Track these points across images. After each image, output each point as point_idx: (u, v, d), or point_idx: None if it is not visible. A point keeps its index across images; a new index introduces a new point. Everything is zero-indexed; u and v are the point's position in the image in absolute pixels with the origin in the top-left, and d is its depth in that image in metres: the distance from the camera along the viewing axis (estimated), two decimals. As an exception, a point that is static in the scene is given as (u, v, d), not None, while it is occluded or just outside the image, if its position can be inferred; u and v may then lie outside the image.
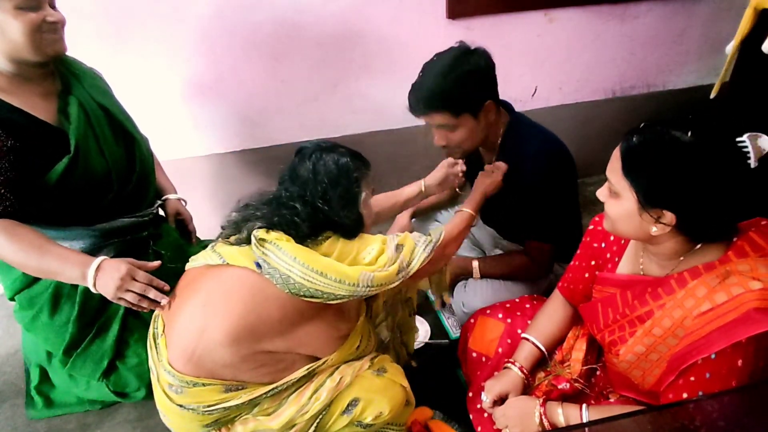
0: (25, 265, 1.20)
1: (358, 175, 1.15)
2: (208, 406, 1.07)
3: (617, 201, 0.91)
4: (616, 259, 1.09)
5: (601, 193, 0.96)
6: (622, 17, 2.25)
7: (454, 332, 1.76)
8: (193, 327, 1.05)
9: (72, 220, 1.32)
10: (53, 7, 1.23)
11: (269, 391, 1.10)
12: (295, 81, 2.03)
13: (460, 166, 1.49)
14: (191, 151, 2.09)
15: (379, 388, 1.19)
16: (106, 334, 1.43)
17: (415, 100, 1.34)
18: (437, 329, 1.77)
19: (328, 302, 1.06)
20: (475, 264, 1.58)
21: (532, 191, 1.41)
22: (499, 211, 1.62)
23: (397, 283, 1.12)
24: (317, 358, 1.15)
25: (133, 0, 1.75)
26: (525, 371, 1.16)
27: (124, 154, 1.43)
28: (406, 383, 1.25)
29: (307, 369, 1.13)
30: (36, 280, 1.40)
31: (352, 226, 1.14)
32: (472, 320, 1.38)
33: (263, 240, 1.04)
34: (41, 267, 1.18)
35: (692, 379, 0.86)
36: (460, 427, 1.41)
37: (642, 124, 0.89)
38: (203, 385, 1.06)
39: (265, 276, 1.02)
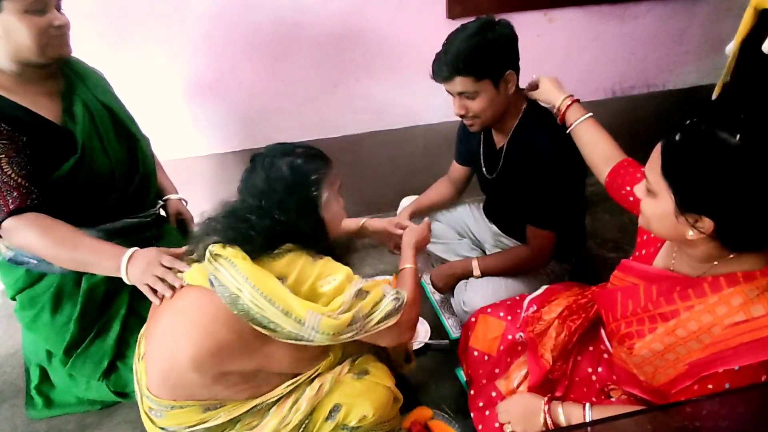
0: (58, 258, 1.23)
1: (317, 177, 1.07)
2: (189, 427, 1.06)
3: (654, 200, 0.87)
4: (652, 250, 1.04)
5: (639, 189, 0.93)
6: (622, 17, 2.25)
7: (454, 332, 1.76)
8: (163, 352, 1.04)
9: (76, 220, 1.32)
10: (59, 9, 1.24)
11: (249, 409, 1.08)
12: (295, 81, 2.03)
13: (402, 231, 1.48)
14: (191, 151, 2.09)
15: (360, 392, 1.16)
16: (107, 334, 1.43)
17: (439, 64, 1.34)
18: (437, 329, 1.77)
19: (275, 336, 0.99)
20: (475, 263, 1.59)
21: (543, 176, 1.41)
22: (505, 203, 1.62)
23: (349, 335, 1.02)
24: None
25: (133, 0, 1.75)
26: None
27: (127, 154, 1.44)
28: (390, 382, 1.22)
29: (288, 387, 1.10)
30: (38, 279, 1.40)
31: (313, 235, 1.08)
32: (473, 319, 1.37)
33: (218, 255, 0.99)
34: (75, 259, 1.22)
35: (710, 386, 0.84)
36: (460, 427, 1.41)
37: (687, 121, 0.82)
38: (181, 407, 1.05)
39: (217, 294, 0.98)
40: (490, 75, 1.33)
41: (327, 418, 1.13)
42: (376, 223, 1.54)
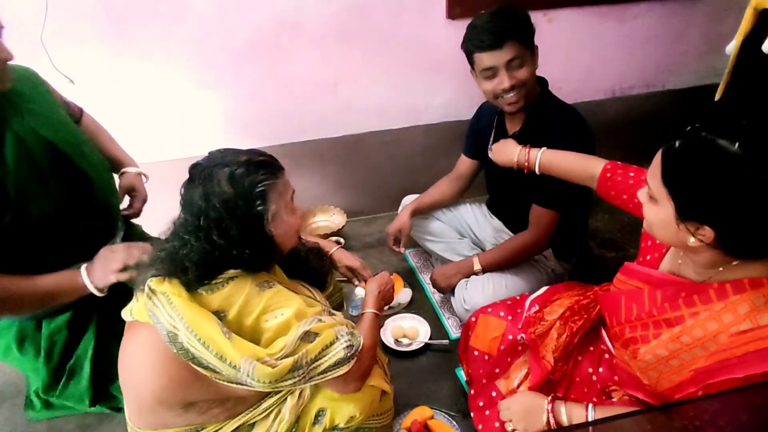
0: (18, 307, 1.17)
1: (262, 189, 0.94)
2: None
3: (656, 207, 0.86)
4: (656, 255, 1.03)
5: (642, 194, 0.92)
6: (622, 17, 2.25)
7: (454, 332, 1.76)
8: (129, 389, 1.03)
9: (32, 270, 1.17)
10: None
11: (234, 430, 1.06)
12: (295, 81, 2.03)
13: (359, 282, 1.49)
14: (191, 151, 2.08)
15: (341, 395, 1.11)
16: (80, 374, 1.38)
17: (487, 33, 1.36)
18: (437, 329, 1.77)
19: (215, 378, 0.93)
20: (476, 258, 1.59)
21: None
22: (513, 195, 1.62)
23: (290, 383, 0.94)
24: None
25: (133, 0, 1.75)
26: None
27: (78, 189, 1.25)
28: (374, 380, 1.16)
29: (265, 411, 1.06)
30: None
31: (259, 257, 0.97)
32: (473, 318, 1.37)
33: (154, 291, 0.93)
34: (38, 295, 1.15)
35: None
36: (460, 427, 1.41)
37: (688, 127, 0.81)
38: None
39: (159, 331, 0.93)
40: (530, 44, 1.39)
41: (314, 423, 1.11)
42: (345, 258, 1.45)
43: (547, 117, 1.46)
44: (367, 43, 2.02)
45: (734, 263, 0.84)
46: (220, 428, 1.05)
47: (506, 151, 1.42)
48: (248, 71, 1.97)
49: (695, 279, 0.91)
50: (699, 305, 0.86)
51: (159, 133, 1.98)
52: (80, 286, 1.18)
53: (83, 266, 1.18)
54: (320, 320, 0.99)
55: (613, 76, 2.40)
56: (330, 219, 2.29)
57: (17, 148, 1.12)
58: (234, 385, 0.95)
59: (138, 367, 1.00)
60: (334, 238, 2.13)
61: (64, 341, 1.34)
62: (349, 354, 0.99)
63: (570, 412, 1.02)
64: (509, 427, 1.08)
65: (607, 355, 1.16)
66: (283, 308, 0.96)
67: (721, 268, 0.86)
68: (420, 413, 1.41)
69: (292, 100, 2.07)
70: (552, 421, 1.02)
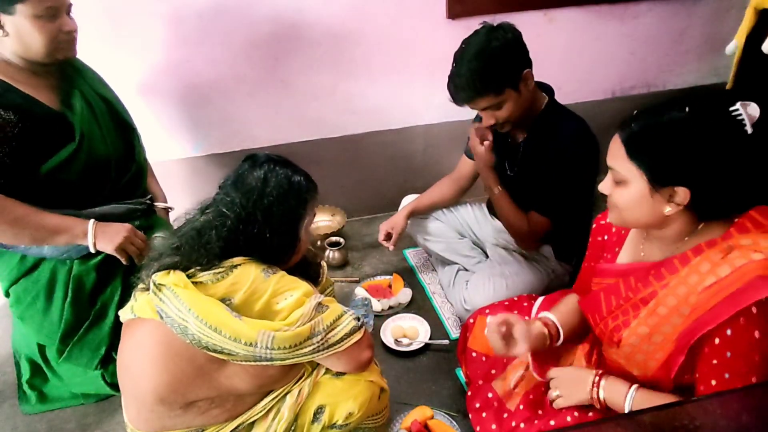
0: (21, 231, 1.27)
1: (307, 197, 1.07)
2: None
3: (625, 188, 0.91)
4: (616, 249, 1.08)
5: (605, 186, 0.96)
6: (622, 17, 2.25)
7: (454, 332, 1.76)
8: (129, 389, 1.04)
9: (66, 204, 1.36)
10: (69, 14, 1.28)
11: (233, 429, 1.06)
12: (295, 81, 2.03)
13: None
14: (191, 151, 2.09)
15: (341, 390, 1.12)
16: (103, 321, 1.43)
17: (456, 91, 1.36)
18: (437, 329, 1.77)
19: (232, 360, 0.96)
20: (497, 190, 1.54)
21: (558, 166, 1.41)
22: (518, 199, 1.62)
23: (310, 350, 0.97)
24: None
25: (132, 0, 1.75)
26: (548, 326, 1.12)
27: (124, 144, 1.49)
28: (372, 376, 1.17)
29: (265, 408, 1.07)
30: (32, 269, 1.41)
31: (282, 249, 1.06)
32: (471, 320, 1.38)
33: (161, 285, 0.95)
34: (41, 226, 1.28)
35: (715, 362, 0.85)
36: (460, 427, 1.41)
37: (635, 111, 0.91)
38: None
39: (167, 325, 0.95)
40: (509, 83, 1.34)
41: (313, 421, 1.11)
42: None
43: (553, 127, 1.44)
44: (368, 43, 2.02)
45: (699, 228, 0.91)
46: (220, 430, 1.05)
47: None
48: (248, 71, 1.97)
49: (661, 258, 0.96)
50: (667, 276, 0.91)
51: (159, 133, 1.98)
52: (81, 233, 1.33)
53: (94, 221, 1.35)
54: (326, 297, 1.07)
55: (614, 76, 2.40)
56: (330, 219, 2.29)
57: (82, 100, 1.38)
58: (251, 363, 0.97)
59: (139, 364, 1.00)
60: (334, 239, 2.13)
61: (92, 284, 1.42)
62: (359, 324, 1.05)
63: (611, 387, 1.00)
64: (552, 394, 1.07)
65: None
66: (291, 291, 1.00)
67: (686, 239, 0.92)
68: (420, 413, 1.41)
69: (292, 100, 2.07)
70: (595, 392, 1.01)
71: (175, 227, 1.10)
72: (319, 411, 1.11)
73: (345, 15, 1.94)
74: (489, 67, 1.30)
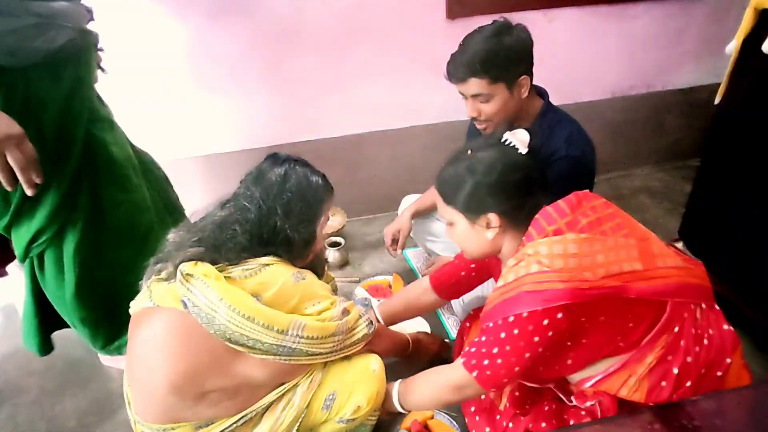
0: None
1: (325, 198, 1.14)
2: None
3: (454, 227, 1.10)
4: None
5: (445, 232, 1.15)
6: (621, 17, 2.25)
7: (454, 332, 1.76)
8: (141, 379, 1.04)
9: None
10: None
11: (239, 419, 1.06)
12: (295, 81, 2.03)
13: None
14: (191, 151, 2.09)
15: (354, 380, 1.14)
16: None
17: (454, 65, 1.35)
18: (437, 330, 1.77)
19: (252, 353, 0.99)
20: None
21: (552, 173, 1.40)
22: None
23: (329, 346, 1.06)
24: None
25: (132, 0, 1.75)
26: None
27: None
28: (375, 365, 1.19)
29: (277, 394, 1.08)
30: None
31: (301, 246, 1.10)
32: (467, 324, 1.38)
33: (189, 275, 0.97)
34: None
35: (503, 335, 0.97)
36: (460, 427, 1.41)
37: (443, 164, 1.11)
38: (172, 429, 1.03)
39: (192, 315, 0.97)
40: (505, 79, 1.33)
41: (323, 408, 1.12)
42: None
43: (547, 131, 1.44)
44: (367, 43, 2.02)
45: (523, 239, 1.02)
46: (228, 421, 1.06)
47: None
48: (249, 71, 1.97)
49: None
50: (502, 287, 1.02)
51: (159, 133, 1.98)
52: None
53: None
54: (346, 301, 1.14)
55: (613, 76, 2.41)
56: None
57: None
58: (269, 357, 1.00)
59: (153, 353, 1.00)
60: (334, 239, 2.13)
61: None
62: (369, 330, 1.15)
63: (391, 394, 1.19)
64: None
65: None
66: (320, 299, 1.08)
67: (520, 248, 1.02)
68: (420, 413, 1.41)
69: (292, 100, 2.08)
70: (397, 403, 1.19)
71: (192, 222, 1.13)
72: (330, 398, 1.12)
73: (345, 15, 1.95)
74: (494, 53, 1.30)
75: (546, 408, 1.12)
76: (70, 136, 1.23)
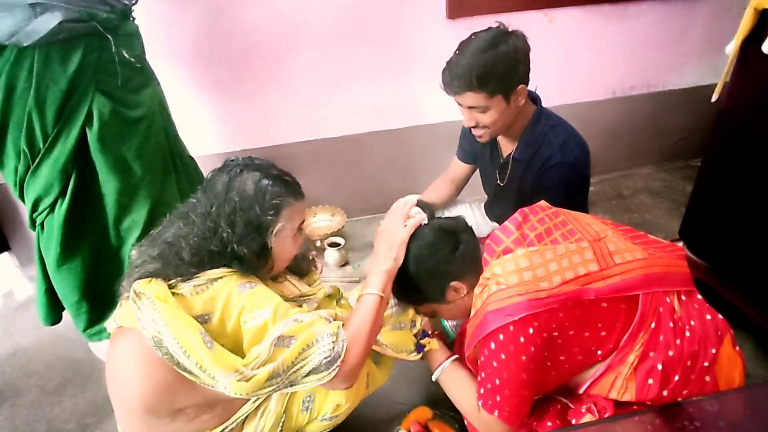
0: None
1: (278, 202, 0.99)
2: None
3: (428, 311, 1.21)
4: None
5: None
6: (622, 17, 2.25)
7: (454, 333, 1.75)
8: (116, 400, 1.02)
9: None
10: None
11: (222, 430, 1.05)
12: (295, 81, 2.03)
13: None
14: (191, 152, 2.09)
15: None
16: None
17: (450, 78, 1.32)
18: (437, 329, 1.77)
19: (201, 384, 0.91)
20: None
21: (547, 178, 1.40)
22: (511, 205, 1.62)
23: (269, 390, 0.90)
24: None
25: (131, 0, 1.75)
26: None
27: None
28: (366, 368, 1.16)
29: (254, 404, 1.06)
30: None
31: (251, 262, 0.99)
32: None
33: (141, 294, 0.92)
34: None
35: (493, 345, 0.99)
36: (459, 427, 1.41)
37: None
38: None
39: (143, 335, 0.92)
40: (502, 91, 1.31)
41: (302, 410, 1.11)
42: None
43: (541, 137, 1.43)
44: (367, 43, 2.02)
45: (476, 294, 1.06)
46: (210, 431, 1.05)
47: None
48: (249, 71, 1.97)
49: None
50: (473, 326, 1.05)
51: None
52: None
53: None
54: (297, 321, 0.94)
55: (614, 76, 2.40)
56: (330, 219, 2.29)
57: None
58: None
59: (124, 374, 0.99)
60: (334, 239, 2.13)
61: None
62: (328, 358, 0.92)
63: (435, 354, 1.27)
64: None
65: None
66: (261, 308, 0.94)
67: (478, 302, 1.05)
68: (420, 414, 1.41)
69: (292, 101, 2.08)
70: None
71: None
72: (307, 399, 1.11)
73: (345, 15, 1.95)
74: (490, 66, 1.27)
75: (551, 408, 1.12)
76: (71, 115, 1.31)
